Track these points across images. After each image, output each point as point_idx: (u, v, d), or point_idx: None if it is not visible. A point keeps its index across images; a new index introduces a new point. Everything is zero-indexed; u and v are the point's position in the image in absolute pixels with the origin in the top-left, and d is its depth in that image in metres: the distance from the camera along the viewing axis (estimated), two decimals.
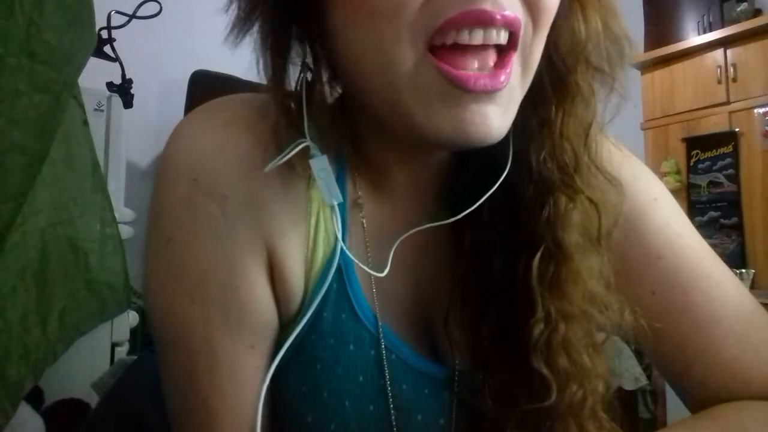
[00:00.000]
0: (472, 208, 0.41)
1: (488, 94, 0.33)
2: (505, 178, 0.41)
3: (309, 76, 0.40)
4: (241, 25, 0.39)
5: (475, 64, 0.33)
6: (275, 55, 0.38)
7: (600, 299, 0.41)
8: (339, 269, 0.41)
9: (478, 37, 0.32)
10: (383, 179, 0.44)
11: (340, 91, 0.43)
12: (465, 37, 0.32)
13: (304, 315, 0.40)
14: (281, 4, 0.37)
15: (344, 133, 0.42)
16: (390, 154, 0.43)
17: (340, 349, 0.41)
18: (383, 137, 0.42)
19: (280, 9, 0.37)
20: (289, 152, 0.37)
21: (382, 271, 0.41)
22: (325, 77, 0.40)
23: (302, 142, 0.38)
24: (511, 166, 0.41)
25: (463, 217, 0.41)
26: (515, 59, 0.35)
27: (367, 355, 0.42)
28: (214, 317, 0.39)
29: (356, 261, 0.41)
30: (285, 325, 0.42)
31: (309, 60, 0.40)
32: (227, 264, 0.39)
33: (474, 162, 0.44)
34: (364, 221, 0.44)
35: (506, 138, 0.41)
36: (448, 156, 0.44)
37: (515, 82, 0.35)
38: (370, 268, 0.41)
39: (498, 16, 0.32)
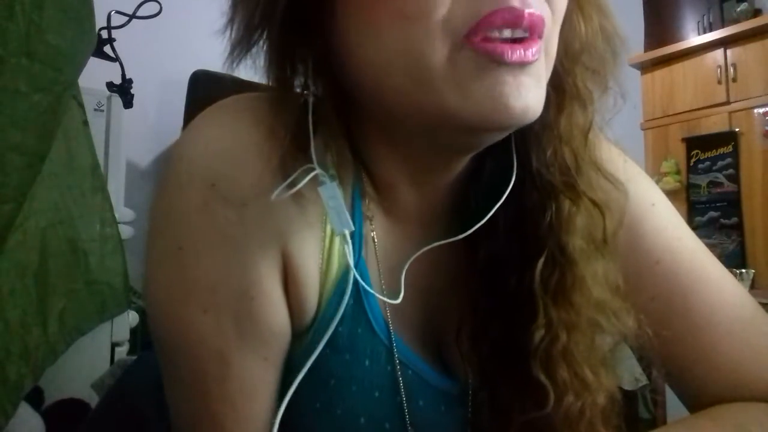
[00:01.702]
0: (480, 224, 0.40)
1: (522, 67, 0.33)
2: (516, 188, 0.40)
3: (314, 98, 0.39)
4: (240, 48, 0.38)
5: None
6: (280, 76, 0.37)
7: (607, 306, 0.41)
8: (355, 283, 0.40)
9: (506, 33, 0.32)
10: (393, 199, 0.43)
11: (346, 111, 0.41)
12: (495, 34, 0.32)
13: (322, 331, 0.39)
14: (284, 23, 0.36)
15: (353, 155, 0.41)
16: (401, 172, 0.42)
17: (355, 364, 0.40)
18: (397, 153, 0.41)
19: (284, 28, 0.36)
20: (296, 180, 0.36)
21: (396, 296, 0.40)
22: (331, 98, 0.39)
23: (310, 168, 0.36)
24: (519, 175, 0.41)
25: (476, 232, 0.40)
26: (540, 46, 0.34)
27: (383, 370, 0.41)
28: (228, 328, 0.37)
29: (368, 288, 0.40)
30: (296, 338, 0.41)
31: (311, 83, 0.39)
32: (243, 273, 0.37)
33: (485, 174, 0.43)
34: (375, 240, 0.43)
35: (512, 146, 0.41)
36: (460, 171, 0.43)
37: (542, 64, 0.35)
38: (383, 287, 0.41)
39: (526, 15, 0.32)
